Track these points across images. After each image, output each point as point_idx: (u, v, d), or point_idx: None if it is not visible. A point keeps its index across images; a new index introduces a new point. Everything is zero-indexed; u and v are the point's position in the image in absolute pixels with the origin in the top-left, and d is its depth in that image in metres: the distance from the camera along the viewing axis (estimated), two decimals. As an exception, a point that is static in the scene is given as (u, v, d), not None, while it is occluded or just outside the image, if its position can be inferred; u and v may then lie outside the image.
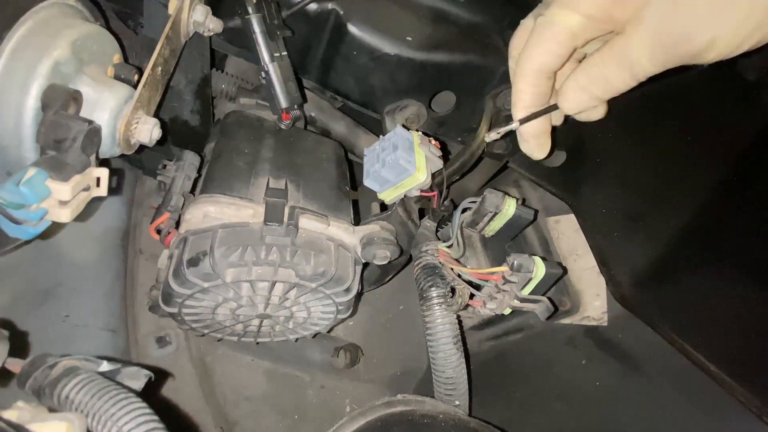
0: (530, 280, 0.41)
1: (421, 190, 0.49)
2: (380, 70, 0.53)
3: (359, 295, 0.52)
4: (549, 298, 0.43)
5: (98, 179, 0.34)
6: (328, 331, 0.60)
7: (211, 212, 0.39)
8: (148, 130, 0.39)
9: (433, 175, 0.49)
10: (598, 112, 0.36)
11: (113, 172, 0.37)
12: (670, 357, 0.38)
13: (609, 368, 0.45)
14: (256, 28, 0.41)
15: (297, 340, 0.56)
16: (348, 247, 0.46)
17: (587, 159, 0.58)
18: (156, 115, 0.44)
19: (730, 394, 0.32)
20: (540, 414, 0.47)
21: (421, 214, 0.57)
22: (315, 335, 0.56)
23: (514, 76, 0.35)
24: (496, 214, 0.47)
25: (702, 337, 0.35)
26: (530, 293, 0.41)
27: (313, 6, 0.48)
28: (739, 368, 0.33)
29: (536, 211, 0.51)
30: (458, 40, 0.54)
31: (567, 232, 0.57)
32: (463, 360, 0.44)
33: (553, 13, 0.32)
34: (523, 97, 0.35)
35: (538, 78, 0.34)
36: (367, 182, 0.48)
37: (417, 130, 0.52)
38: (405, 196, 0.50)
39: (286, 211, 0.41)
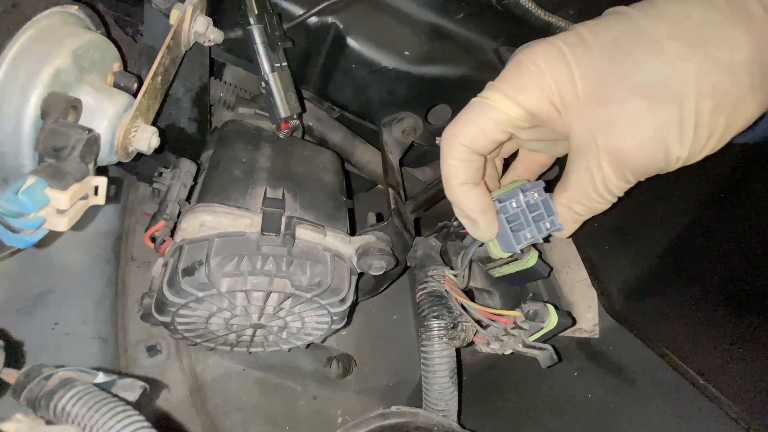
0: (541, 329, 0.40)
1: None
2: (378, 82, 0.54)
3: (354, 306, 0.53)
4: (569, 315, 0.43)
5: (96, 188, 0.34)
6: (322, 342, 0.59)
7: (207, 221, 0.39)
8: (146, 139, 0.39)
9: None
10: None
11: (111, 181, 0.37)
12: (660, 369, 0.39)
13: (600, 380, 0.45)
14: (258, 38, 0.42)
15: (290, 350, 0.56)
16: (344, 257, 0.46)
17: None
18: (154, 123, 0.44)
19: (718, 407, 0.33)
20: (532, 427, 0.47)
21: (416, 224, 0.57)
22: (308, 345, 0.56)
23: (442, 152, 0.35)
24: (515, 260, 0.45)
25: (689, 350, 0.36)
26: (536, 340, 0.41)
27: (313, 19, 0.49)
28: (726, 381, 0.33)
29: (551, 268, 0.49)
30: (455, 56, 0.55)
31: (560, 245, 0.58)
32: (456, 393, 0.44)
33: (493, 98, 0.32)
34: (456, 172, 0.34)
35: (471, 155, 0.34)
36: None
37: None
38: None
39: (283, 220, 0.41)
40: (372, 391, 0.69)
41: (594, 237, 0.50)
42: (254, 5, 0.41)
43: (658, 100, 0.28)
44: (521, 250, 0.40)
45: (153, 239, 0.46)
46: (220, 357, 0.64)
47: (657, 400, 0.39)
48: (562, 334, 0.52)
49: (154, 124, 0.43)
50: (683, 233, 0.45)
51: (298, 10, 0.48)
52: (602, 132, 0.30)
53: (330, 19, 0.49)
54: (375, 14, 0.51)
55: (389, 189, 0.51)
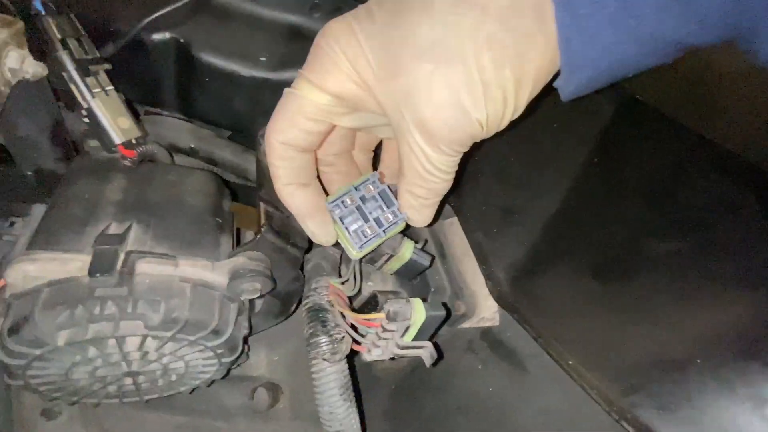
0: (409, 327, 0.37)
1: None
2: (239, 93, 0.51)
3: (248, 334, 0.49)
4: (444, 306, 0.41)
5: None
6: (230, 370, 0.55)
7: (30, 271, 0.36)
8: (-50, 192, 0.36)
9: None
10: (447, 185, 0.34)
11: None
12: (545, 354, 0.37)
13: (500, 371, 0.43)
14: (66, 65, 0.38)
15: (192, 391, 0.52)
16: (213, 285, 0.42)
17: (466, 157, 0.56)
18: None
19: (587, 389, 0.31)
20: (442, 430, 0.44)
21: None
22: (224, 377, 0.52)
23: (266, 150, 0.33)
24: (392, 256, 0.45)
25: (560, 330, 0.34)
26: (415, 338, 0.38)
27: (151, 36, 0.46)
28: (592, 358, 0.31)
29: (433, 257, 0.49)
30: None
31: (460, 233, 0.55)
32: (352, 410, 0.41)
33: (300, 87, 0.30)
34: (279, 173, 0.33)
35: (291, 152, 0.32)
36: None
37: None
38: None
39: (121, 257, 0.37)
40: (305, 417, 0.65)
41: (482, 220, 0.48)
42: (55, 30, 0.37)
43: (442, 62, 0.26)
44: (400, 249, 0.39)
45: None
46: (130, 407, 0.59)
47: (545, 386, 0.37)
48: (467, 325, 0.50)
49: (14, 172, 0.40)
50: (561, 205, 0.43)
51: (125, 29, 0.44)
52: (404, 104, 0.28)
53: (168, 35, 0.46)
54: (220, 22, 0.48)
55: (260, 203, 0.47)
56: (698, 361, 0.27)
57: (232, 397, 0.64)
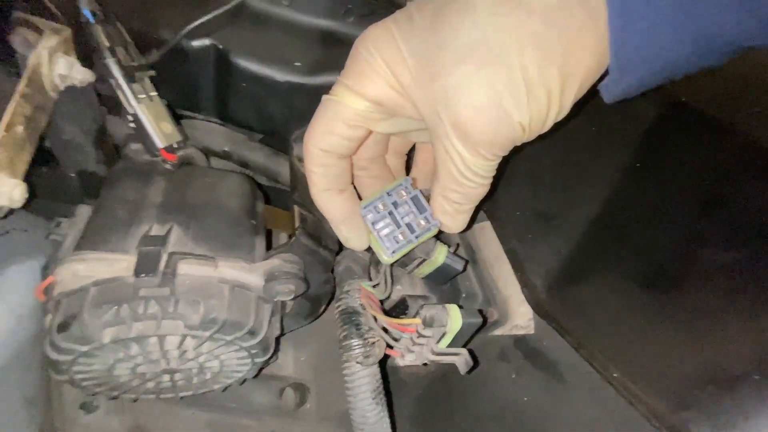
0: (445, 333, 0.37)
1: None
2: (275, 98, 0.52)
3: (281, 335, 0.50)
4: (480, 313, 0.40)
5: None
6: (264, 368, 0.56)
7: (79, 271, 0.37)
8: (7, 193, 0.37)
9: None
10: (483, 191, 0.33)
11: None
12: (585, 364, 0.36)
13: (535, 380, 0.42)
14: (113, 72, 0.40)
15: (225, 389, 0.53)
16: (249, 286, 0.43)
17: (503, 162, 0.56)
18: (28, 174, 0.42)
19: (634, 403, 0.30)
20: (476, 439, 0.44)
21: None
22: (256, 376, 0.53)
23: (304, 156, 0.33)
24: (424, 260, 0.44)
25: (605, 342, 0.33)
26: (450, 344, 0.37)
27: (191, 43, 0.47)
28: (640, 372, 0.30)
29: (467, 262, 0.48)
30: (350, 59, 0.53)
31: (492, 238, 0.55)
32: (384, 414, 0.41)
33: (338, 93, 0.30)
34: (316, 179, 0.33)
35: (329, 159, 0.32)
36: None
37: None
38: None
39: (164, 258, 0.38)
40: (332, 418, 0.65)
41: (517, 225, 0.47)
42: (105, 38, 0.39)
43: (484, 62, 0.25)
44: (431, 254, 0.39)
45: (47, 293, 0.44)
46: (166, 404, 0.61)
47: (584, 397, 0.36)
48: (499, 333, 0.49)
49: (59, 174, 0.41)
50: (602, 211, 0.42)
51: (168, 36, 0.46)
52: (443, 107, 0.27)
53: (207, 41, 0.47)
54: (257, 28, 0.49)
55: (294, 206, 0.48)
56: (756, 377, 0.26)
57: (261, 395, 0.65)
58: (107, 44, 0.39)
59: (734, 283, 0.29)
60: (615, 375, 0.31)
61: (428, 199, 0.36)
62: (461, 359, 0.37)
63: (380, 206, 0.36)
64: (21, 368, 0.56)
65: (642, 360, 0.30)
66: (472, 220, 0.38)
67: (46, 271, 0.55)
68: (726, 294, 0.28)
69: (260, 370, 0.52)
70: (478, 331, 0.40)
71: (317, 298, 0.55)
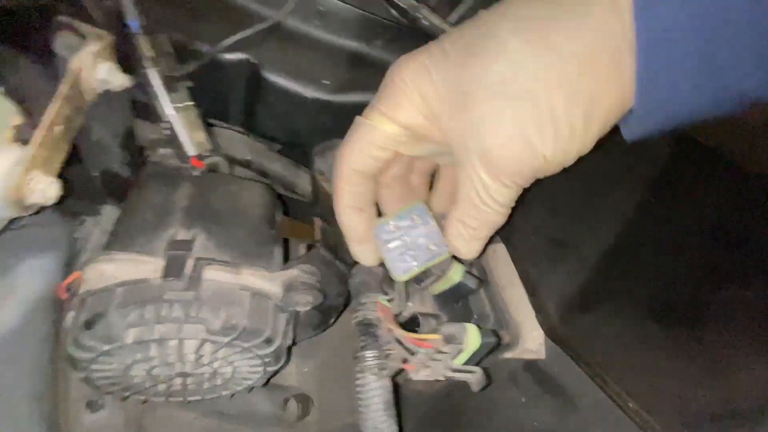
0: (461, 351, 0.38)
1: None
2: (302, 113, 0.53)
3: (293, 344, 0.50)
4: (495, 333, 0.41)
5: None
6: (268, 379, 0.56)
7: (107, 271, 0.38)
8: (42, 190, 0.38)
9: None
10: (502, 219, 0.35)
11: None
12: (598, 391, 0.36)
13: (546, 406, 0.42)
14: (153, 80, 0.41)
15: (233, 396, 0.53)
16: (269, 295, 0.44)
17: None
18: (63, 172, 0.43)
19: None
20: (483, 462, 0.44)
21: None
22: (264, 385, 0.53)
23: (333, 173, 0.36)
24: (440, 277, 0.45)
25: (619, 371, 0.34)
26: (466, 362, 0.38)
27: (226, 56, 0.49)
28: (656, 403, 0.31)
29: (480, 281, 0.49)
30: (377, 82, 0.55)
31: (505, 260, 0.56)
32: (395, 429, 0.41)
33: (372, 117, 0.32)
34: (342, 195, 0.35)
35: (357, 178, 0.34)
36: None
37: None
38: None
39: (190, 263, 0.39)
40: (336, 431, 0.65)
41: (531, 250, 0.48)
42: (149, 48, 0.41)
43: (513, 98, 0.27)
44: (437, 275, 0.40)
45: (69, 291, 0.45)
46: (169, 407, 0.61)
47: (596, 427, 0.36)
48: (510, 356, 0.49)
49: (87, 172, 0.42)
50: (617, 242, 0.43)
51: (205, 48, 0.47)
52: (471, 137, 0.29)
53: (243, 56, 0.49)
54: (290, 46, 0.51)
55: (315, 218, 0.49)
56: (770, 413, 0.27)
57: (263, 405, 0.65)
58: (150, 54, 0.41)
59: (750, 319, 0.30)
60: (630, 405, 0.31)
61: (442, 225, 0.37)
62: (476, 377, 0.38)
63: (393, 227, 0.37)
64: (30, 363, 0.56)
65: (659, 392, 0.31)
66: (484, 249, 0.40)
67: (67, 268, 0.56)
68: (742, 329, 0.29)
69: (269, 378, 0.53)
70: (490, 352, 0.41)
71: (328, 309, 0.56)
